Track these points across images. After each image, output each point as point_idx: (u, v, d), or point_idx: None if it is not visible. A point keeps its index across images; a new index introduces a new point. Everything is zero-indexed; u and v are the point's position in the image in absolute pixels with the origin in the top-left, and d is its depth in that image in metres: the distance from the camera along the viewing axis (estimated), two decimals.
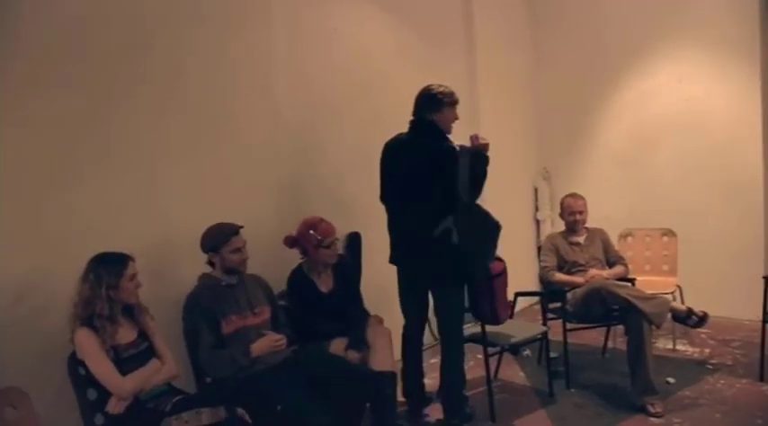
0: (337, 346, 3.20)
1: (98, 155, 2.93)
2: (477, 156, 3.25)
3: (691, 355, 4.30)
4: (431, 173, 3.25)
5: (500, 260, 3.48)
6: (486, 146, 3.29)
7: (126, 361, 2.47)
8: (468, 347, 4.19)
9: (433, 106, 3.32)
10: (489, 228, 3.30)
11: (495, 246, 3.38)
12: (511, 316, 3.70)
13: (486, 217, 3.29)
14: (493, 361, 4.05)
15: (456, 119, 3.40)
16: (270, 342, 2.89)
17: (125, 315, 2.58)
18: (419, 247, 3.32)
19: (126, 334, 2.54)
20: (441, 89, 3.34)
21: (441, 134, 3.33)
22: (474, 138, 3.30)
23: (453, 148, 3.26)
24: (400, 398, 3.52)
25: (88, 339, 2.40)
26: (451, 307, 3.40)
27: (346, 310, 3.38)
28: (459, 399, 3.46)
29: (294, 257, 3.43)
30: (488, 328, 3.50)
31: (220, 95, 3.47)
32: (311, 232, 3.30)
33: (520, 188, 5.89)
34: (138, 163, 3.10)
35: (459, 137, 3.39)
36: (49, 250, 2.71)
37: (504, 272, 3.47)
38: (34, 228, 2.69)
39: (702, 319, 3.66)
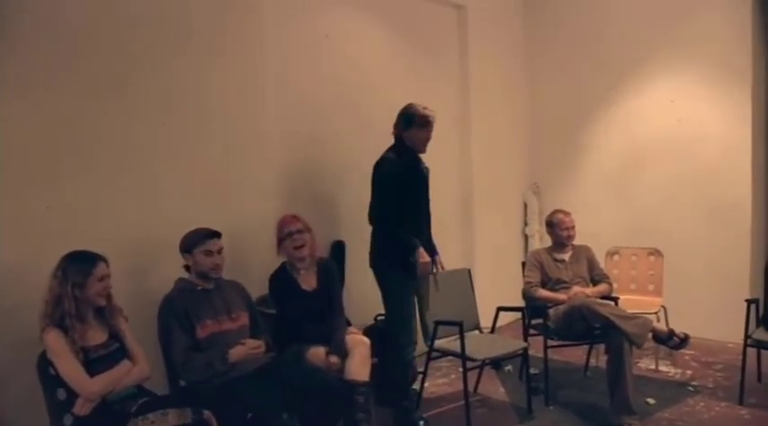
0: (316, 354, 3.16)
1: (84, 155, 2.95)
2: None
3: (673, 376, 4.27)
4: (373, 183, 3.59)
5: None
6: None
7: (95, 362, 2.45)
8: (449, 361, 4.21)
9: (403, 123, 3.58)
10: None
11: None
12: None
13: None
14: (474, 375, 4.07)
15: (427, 139, 3.61)
16: (248, 349, 2.87)
17: (97, 316, 2.56)
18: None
19: (96, 335, 2.52)
20: (413, 110, 3.57)
21: (400, 150, 3.57)
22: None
23: (393, 172, 3.48)
24: None
25: (57, 340, 2.38)
26: (386, 293, 3.60)
27: (327, 312, 3.34)
28: (400, 396, 3.54)
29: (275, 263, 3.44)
30: (468, 342, 3.47)
31: (210, 100, 3.47)
32: (277, 228, 3.36)
33: (509, 202, 5.88)
34: (127, 164, 3.11)
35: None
36: (29, 247, 2.72)
37: None
38: (15, 225, 2.70)
39: (683, 341, 3.63)
